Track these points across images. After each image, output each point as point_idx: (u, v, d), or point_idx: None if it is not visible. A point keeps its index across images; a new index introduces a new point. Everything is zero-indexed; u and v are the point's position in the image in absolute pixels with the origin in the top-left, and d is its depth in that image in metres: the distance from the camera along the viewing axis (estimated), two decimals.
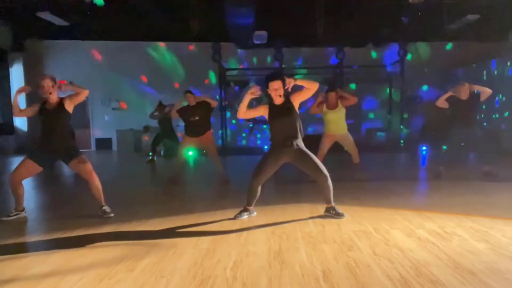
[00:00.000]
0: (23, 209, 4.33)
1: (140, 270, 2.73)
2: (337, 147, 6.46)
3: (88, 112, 14.50)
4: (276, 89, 3.88)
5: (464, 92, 5.98)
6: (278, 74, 3.96)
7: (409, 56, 13.31)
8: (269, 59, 13.74)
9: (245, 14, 9.55)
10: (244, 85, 13.97)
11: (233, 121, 14.28)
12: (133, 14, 10.71)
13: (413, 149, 10.40)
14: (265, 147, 12.28)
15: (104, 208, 4.33)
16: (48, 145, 4.23)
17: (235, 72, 14.22)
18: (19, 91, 4.35)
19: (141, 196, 5.76)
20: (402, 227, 3.63)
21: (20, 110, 4.42)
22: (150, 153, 9.98)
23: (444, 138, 6.40)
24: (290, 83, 3.89)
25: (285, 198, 5.11)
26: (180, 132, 9.72)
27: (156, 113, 9.90)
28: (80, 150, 4.45)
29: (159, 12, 10.57)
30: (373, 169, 7.69)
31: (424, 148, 10.53)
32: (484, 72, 11.83)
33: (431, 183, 6.15)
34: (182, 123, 6.68)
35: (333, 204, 4.10)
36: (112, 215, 4.30)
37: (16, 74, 13.43)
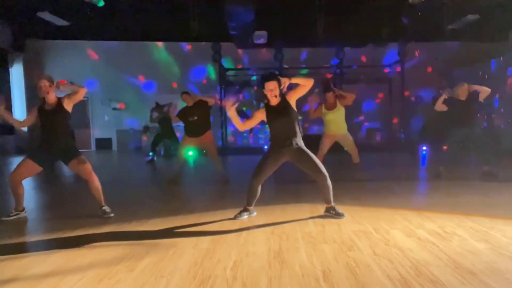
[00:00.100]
0: (23, 209, 4.33)
1: (140, 270, 2.73)
2: (337, 147, 6.46)
3: (88, 112, 14.51)
4: (271, 90, 3.88)
5: (462, 92, 5.98)
6: (273, 75, 3.96)
7: None
8: (269, 59, 13.75)
9: (245, 14, 9.55)
10: (244, 85, 13.99)
11: None
12: (133, 14, 10.72)
13: (413, 149, 10.40)
14: (265, 147, 12.29)
15: (104, 208, 4.33)
16: (48, 145, 4.23)
17: (235, 72, 14.23)
18: None
19: (141, 196, 5.76)
20: (402, 227, 3.63)
21: (21, 122, 4.38)
22: (150, 153, 9.98)
23: (444, 138, 6.40)
24: (285, 82, 3.90)
25: (285, 198, 5.11)
26: (179, 132, 9.73)
27: (155, 115, 9.92)
28: (80, 150, 4.46)
29: (159, 12, 10.57)
30: (373, 169, 7.69)
31: (424, 148, 10.53)
32: (480, 72, 11.84)
33: (431, 183, 6.15)
34: (182, 123, 6.68)
35: (333, 204, 4.10)
36: (112, 215, 4.30)
37: (16, 74, 13.44)
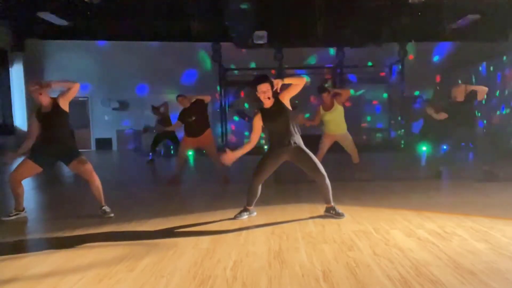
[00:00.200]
0: (23, 209, 4.33)
1: (140, 270, 2.73)
2: (337, 147, 6.46)
3: (88, 112, 14.51)
4: (264, 92, 3.88)
5: (460, 93, 5.98)
6: (265, 77, 3.96)
7: None
8: (269, 59, 13.75)
9: (245, 14, 9.55)
10: (244, 85, 13.98)
11: (235, 118, 14.23)
12: (133, 14, 10.72)
13: (413, 149, 10.41)
14: (265, 147, 12.29)
15: (104, 208, 4.33)
16: (48, 146, 4.22)
17: (235, 72, 14.22)
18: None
19: (141, 196, 5.76)
20: (402, 227, 3.63)
21: (28, 138, 4.29)
22: (150, 153, 9.99)
23: (444, 138, 6.41)
24: (278, 84, 3.90)
25: (285, 198, 5.12)
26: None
27: (156, 125, 10.06)
28: (80, 150, 4.45)
29: (159, 12, 10.57)
30: (373, 169, 7.69)
31: (424, 148, 10.53)
32: (474, 74, 11.85)
33: (431, 183, 6.14)
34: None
35: (332, 204, 4.10)
36: (112, 215, 4.30)
37: (16, 74, 13.43)
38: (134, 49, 13.81)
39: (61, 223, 4.05)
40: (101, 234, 3.67)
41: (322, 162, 4.15)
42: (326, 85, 6.40)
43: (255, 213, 4.24)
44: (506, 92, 10.86)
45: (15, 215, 4.25)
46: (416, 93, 14.10)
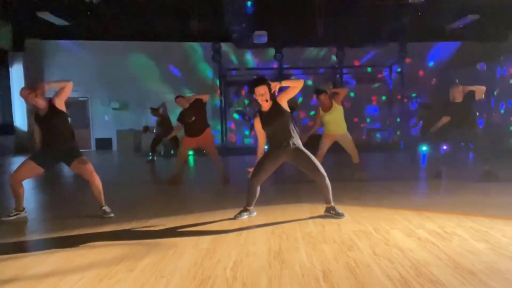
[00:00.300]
0: (23, 209, 4.33)
1: (140, 270, 2.74)
2: (337, 147, 6.46)
3: (88, 112, 14.51)
4: (262, 94, 3.89)
5: (458, 94, 5.98)
6: (262, 79, 3.97)
7: None
8: (269, 59, 13.75)
9: (245, 14, 9.56)
10: (243, 85, 13.98)
11: (235, 115, 14.22)
12: (133, 14, 10.72)
13: (413, 149, 10.42)
14: (265, 147, 12.28)
15: (104, 208, 4.33)
16: (50, 148, 4.22)
17: (235, 72, 14.22)
18: None
19: (141, 196, 5.77)
20: (402, 227, 3.63)
21: (37, 139, 4.32)
22: (150, 153, 10.00)
23: (444, 139, 6.41)
24: (275, 86, 3.91)
25: (285, 198, 5.12)
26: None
27: (155, 127, 10.11)
28: (80, 150, 4.45)
29: (159, 12, 10.57)
30: (373, 169, 7.69)
31: (424, 148, 10.53)
32: (473, 74, 11.84)
33: (431, 183, 6.15)
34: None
35: (333, 204, 4.10)
36: (112, 215, 4.30)
37: (16, 74, 13.44)
38: (134, 49, 13.81)
39: (61, 223, 4.06)
40: (101, 234, 3.67)
41: (322, 162, 4.15)
42: (328, 85, 6.43)
43: (255, 213, 4.24)
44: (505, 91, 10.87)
45: (15, 215, 4.25)
46: (413, 95, 14.09)
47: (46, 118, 4.15)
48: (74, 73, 13.48)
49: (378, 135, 14.11)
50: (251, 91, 3.95)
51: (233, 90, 14.23)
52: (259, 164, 4.06)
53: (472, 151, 6.59)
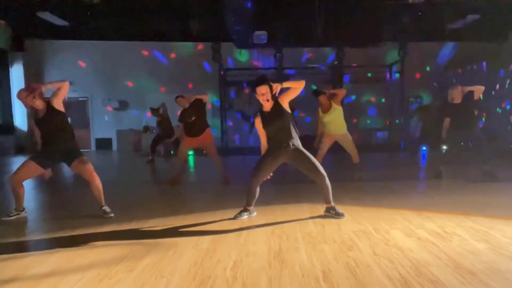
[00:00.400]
0: (23, 209, 4.34)
1: (140, 270, 2.73)
2: (337, 147, 6.46)
3: (88, 112, 14.51)
4: (263, 94, 3.90)
5: (457, 95, 5.98)
6: (264, 79, 3.99)
7: None
8: (269, 59, 13.75)
9: (245, 13, 9.55)
10: (243, 85, 13.98)
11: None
12: (133, 14, 10.71)
13: (413, 149, 10.41)
14: None
15: (104, 208, 4.33)
16: (49, 148, 4.22)
17: (235, 72, 14.22)
18: None
19: (141, 196, 5.77)
20: (402, 227, 3.63)
21: (37, 138, 4.33)
22: (150, 153, 10.01)
23: (444, 139, 6.41)
24: (277, 87, 3.92)
25: (285, 198, 5.12)
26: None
27: (156, 127, 10.14)
28: (81, 150, 4.45)
29: (159, 12, 10.57)
30: (373, 169, 7.69)
31: (424, 148, 10.54)
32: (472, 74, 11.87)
33: (431, 183, 6.15)
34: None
35: (333, 204, 4.10)
36: (112, 215, 4.30)
37: (16, 74, 13.44)
38: (134, 49, 13.81)
39: (61, 223, 4.06)
40: (101, 234, 3.67)
41: (322, 163, 4.15)
42: (327, 86, 6.43)
43: (255, 213, 4.24)
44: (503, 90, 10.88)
45: (15, 215, 4.25)
46: (413, 96, 14.09)
47: (45, 119, 4.15)
48: (74, 73, 13.51)
49: (378, 135, 14.11)
50: (253, 90, 3.95)
51: (233, 90, 14.23)
52: (258, 164, 4.06)
53: (472, 151, 6.58)
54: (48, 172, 4.40)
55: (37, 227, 4.12)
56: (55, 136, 4.19)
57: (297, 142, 4.02)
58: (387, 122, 14.19)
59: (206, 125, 6.38)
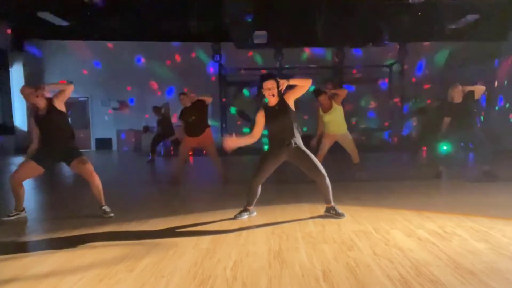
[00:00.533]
0: (23, 209, 4.33)
1: (140, 270, 2.73)
2: (337, 147, 6.46)
3: (88, 112, 14.50)
4: (269, 89, 3.90)
5: (457, 94, 5.98)
6: (271, 74, 4.03)
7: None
8: (269, 59, 13.75)
9: (245, 13, 9.55)
10: (243, 86, 13.98)
11: (233, 110, 14.21)
12: (133, 14, 10.72)
13: (413, 149, 10.41)
14: (265, 147, 12.27)
15: (104, 208, 4.33)
16: (50, 148, 4.22)
17: (235, 72, 14.23)
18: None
19: (141, 196, 5.77)
20: (402, 227, 3.63)
21: (34, 141, 4.32)
22: (150, 153, 10.01)
23: (443, 139, 6.40)
24: (284, 84, 3.93)
25: (285, 198, 5.12)
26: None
27: (157, 127, 10.16)
28: (80, 150, 4.45)
29: (159, 12, 10.57)
30: (373, 169, 7.69)
31: (424, 148, 10.53)
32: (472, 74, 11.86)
33: (431, 183, 6.14)
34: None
35: (333, 204, 4.10)
36: (112, 215, 4.30)
37: (16, 74, 13.43)
38: (134, 49, 13.81)
39: (61, 223, 4.05)
40: (101, 234, 3.67)
41: (322, 162, 4.15)
42: (328, 86, 6.43)
43: (255, 213, 4.24)
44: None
45: (15, 215, 4.25)
46: (413, 97, 14.09)
47: (46, 117, 4.16)
48: (74, 73, 13.50)
49: (378, 135, 14.11)
50: (259, 85, 3.95)
51: (233, 90, 14.23)
52: (260, 163, 4.06)
53: (472, 151, 6.58)
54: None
55: (37, 227, 4.11)
56: (55, 136, 4.20)
57: (299, 140, 4.02)
58: (386, 124, 14.18)
59: (206, 125, 6.39)
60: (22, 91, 4.13)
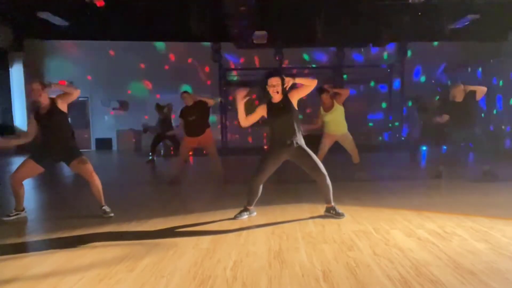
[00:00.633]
0: (23, 209, 4.33)
1: (140, 270, 2.74)
2: (337, 147, 6.46)
3: (88, 112, 14.50)
4: (274, 85, 3.91)
5: (459, 94, 5.98)
6: (277, 71, 4.04)
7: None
8: (269, 59, 13.74)
9: (245, 13, 9.55)
10: (243, 86, 13.96)
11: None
12: (133, 14, 10.71)
13: (413, 149, 10.40)
14: (265, 147, 12.27)
15: (104, 208, 4.34)
16: (49, 147, 4.23)
17: (235, 72, 14.23)
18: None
19: (141, 196, 5.77)
20: (402, 227, 3.63)
21: (26, 134, 4.33)
22: (150, 153, 10.01)
23: (444, 139, 6.41)
24: (289, 82, 3.93)
25: (285, 198, 5.12)
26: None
27: (155, 126, 10.18)
28: (80, 150, 4.45)
29: (159, 12, 10.57)
30: (373, 169, 7.69)
31: (424, 148, 10.53)
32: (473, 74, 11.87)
33: (431, 183, 6.14)
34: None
35: (333, 204, 4.10)
36: (112, 215, 4.30)
37: (16, 74, 13.43)
38: (134, 49, 13.80)
39: (61, 223, 4.06)
40: (101, 234, 3.67)
41: (323, 162, 4.15)
42: (330, 85, 6.43)
43: (255, 213, 4.24)
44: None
45: (15, 215, 4.25)
46: (412, 96, 14.09)
47: (47, 116, 4.17)
48: (74, 73, 13.50)
49: (377, 135, 14.10)
50: (264, 82, 3.95)
51: (233, 90, 14.22)
52: (261, 163, 4.06)
53: (472, 151, 6.59)
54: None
55: (37, 227, 4.11)
56: (55, 135, 4.20)
57: (300, 140, 4.02)
58: (388, 123, 14.17)
59: (207, 126, 6.40)
60: (33, 86, 4.14)
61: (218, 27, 10.95)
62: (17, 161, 4.47)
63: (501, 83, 11.25)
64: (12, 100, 13.46)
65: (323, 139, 6.26)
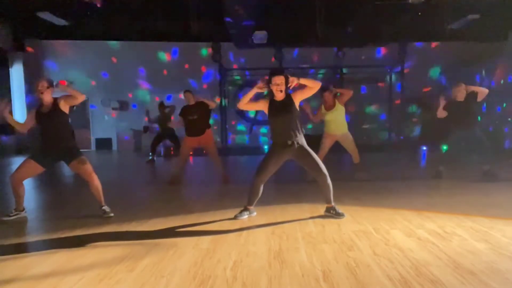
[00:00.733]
0: (23, 209, 4.33)
1: (140, 270, 2.73)
2: (337, 147, 6.46)
3: (88, 112, 14.50)
4: (278, 84, 3.91)
5: (460, 93, 5.98)
6: (281, 70, 4.04)
7: None
8: (269, 59, 13.74)
9: (245, 13, 9.55)
10: (243, 86, 13.97)
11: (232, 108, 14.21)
12: (133, 14, 10.72)
13: (413, 149, 10.42)
14: (265, 147, 12.28)
15: (104, 208, 4.34)
16: (49, 146, 4.23)
17: (235, 72, 14.23)
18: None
19: (141, 196, 5.77)
20: (402, 227, 3.63)
21: (22, 125, 4.37)
22: (150, 153, 10.01)
23: (444, 139, 6.41)
24: (293, 81, 3.93)
25: (285, 198, 5.12)
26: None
27: (153, 115, 10.13)
28: (80, 150, 4.45)
29: (159, 12, 10.57)
30: (373, 169, 7.69)
31: (424, 148, 10.54)
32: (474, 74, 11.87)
33: (431, 183, 6.14)
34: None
35: (333, 204, 4.11)
36: (112, 215, 4.30)
37: (16, 74, 13.43)
38: (135, 49, 13.80)
39: (61, 223, 4.06)
40: (101, 234, 3.67)
41: (323, 162, 4.15)
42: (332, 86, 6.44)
43: (255, 213, 4.24)
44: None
45: (15, 215, 4.25)
46: (412, 96, 14.09)
47: (48, 115, 4.18)
48: (74, 73, 13.51)
49: (378, 135, 14.11)
50: (268, 80, 3.96)
51: (233, 91, 14.23)
52: (262, 163, 4.06)
53: (472, 151, 6.58)
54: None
55: (37, 227, 4.11)
56: (55, 134, 4.21)
57: (301, 140, 4.03)
58: (387, 124, 14.17)
59: (207, 126, 6.41)
60: (39, 83, 4.16)
61: (218, 27, 10.96)
62: (17, 161, 4.45)
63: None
64: (12, 100, 13.46)
65: (324, 139, 6.26)
